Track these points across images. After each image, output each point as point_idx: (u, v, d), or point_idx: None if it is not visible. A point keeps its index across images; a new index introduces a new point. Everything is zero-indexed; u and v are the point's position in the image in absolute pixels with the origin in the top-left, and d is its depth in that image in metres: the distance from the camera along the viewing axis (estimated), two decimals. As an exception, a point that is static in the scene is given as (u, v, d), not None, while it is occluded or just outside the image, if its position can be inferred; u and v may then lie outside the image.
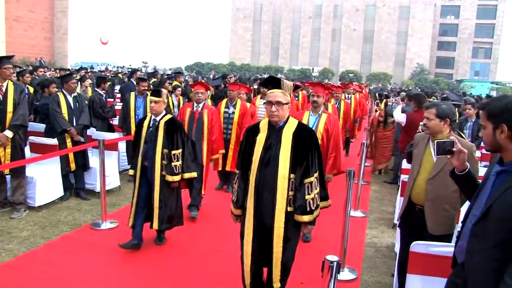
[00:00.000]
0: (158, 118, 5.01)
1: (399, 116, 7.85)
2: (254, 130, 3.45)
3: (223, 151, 6.74)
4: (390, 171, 9.78)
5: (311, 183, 3.28)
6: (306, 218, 3.30)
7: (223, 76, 18.35)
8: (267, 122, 3.39)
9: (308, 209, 3.28)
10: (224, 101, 7.50)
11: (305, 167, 3.28)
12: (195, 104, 6.40)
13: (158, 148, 4.93)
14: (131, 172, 5.24)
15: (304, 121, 5.33)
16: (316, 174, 3.31)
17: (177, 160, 4.95)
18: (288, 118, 3.36)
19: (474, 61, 71.98)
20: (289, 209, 3.29)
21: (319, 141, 4.97)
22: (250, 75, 53.71)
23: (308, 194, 3.28)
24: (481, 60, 71.72)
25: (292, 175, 3.27)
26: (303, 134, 3.33)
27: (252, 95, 11.63)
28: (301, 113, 5.67)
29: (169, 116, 5.04)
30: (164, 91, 5.04)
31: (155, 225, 4.94)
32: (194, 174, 5.19)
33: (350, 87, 12.96)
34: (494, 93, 42.86)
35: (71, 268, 4.50)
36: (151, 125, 5.03)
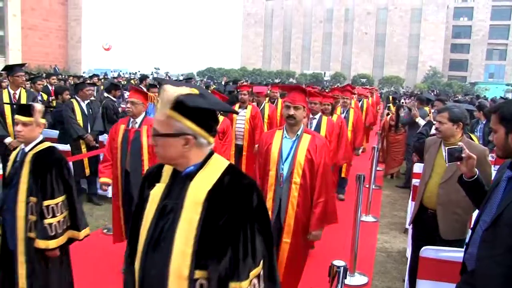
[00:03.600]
0: (27, 149, 3.24)
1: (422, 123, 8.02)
2: (155, 173, 1.92)
3: None
4: (402, 175, 9.71)
5: None
6: None
7: (235, 81, 18.45)
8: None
9: None
10: None
11: (231, 261, 1.68)
12: (131, 120, 4.66)
13: (20, 195, 3.16)
14: None
15: (275, 148, 3.59)
16: (256, 271, 1.71)
17: (53, 216, 3.18)
18: (207, 158, 1.80)
19: (488, 63, 71.16)
20: None
21: (298, 178, 3.50)
22: (261, 80, 53.80)
23: None
24: (495, 62, 70.88)
25: (199, 273, 1.68)
26: (230, 192, 1.73)
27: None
28: (271, 134, 3.77)
29: (44, 146, 3.27)
30: (37, 107, 3.23)
31: None
32: (87, 231, 3.47)
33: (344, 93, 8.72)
34: (509, 95, 42.31)
35: (82, 273, 4.53)
36: (18, 158, 3.29)
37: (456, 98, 17.83)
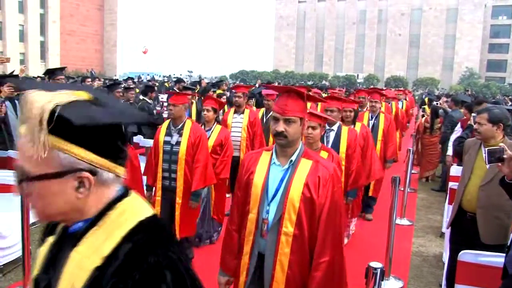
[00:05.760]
0: None
1: None
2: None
3: None
4: (438, 178, 9.49)
5: None
6: None
7: (268, 84, 18.52)
8: None
9: None
10: (165, 124, 4.68)
11: None
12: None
13: None
14: None
15: (258, 179, 2.45)
16: None
17: None
18: (107, 208, 1.08)
19: (529, 64, 68.80)
20: None
21: (291, 227, 2.36)
22: (294, 82, 53.69)
23: None
24: (537, 62, 68.48)
25: None
26: (121, 279, 0.97)
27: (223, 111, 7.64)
28: (255, 156, 2.57)
29: None
30: None
31: None
32: None
33: (362, 95, 7.76)
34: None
35: None
36: None
37: (494, 100, 17.27)
